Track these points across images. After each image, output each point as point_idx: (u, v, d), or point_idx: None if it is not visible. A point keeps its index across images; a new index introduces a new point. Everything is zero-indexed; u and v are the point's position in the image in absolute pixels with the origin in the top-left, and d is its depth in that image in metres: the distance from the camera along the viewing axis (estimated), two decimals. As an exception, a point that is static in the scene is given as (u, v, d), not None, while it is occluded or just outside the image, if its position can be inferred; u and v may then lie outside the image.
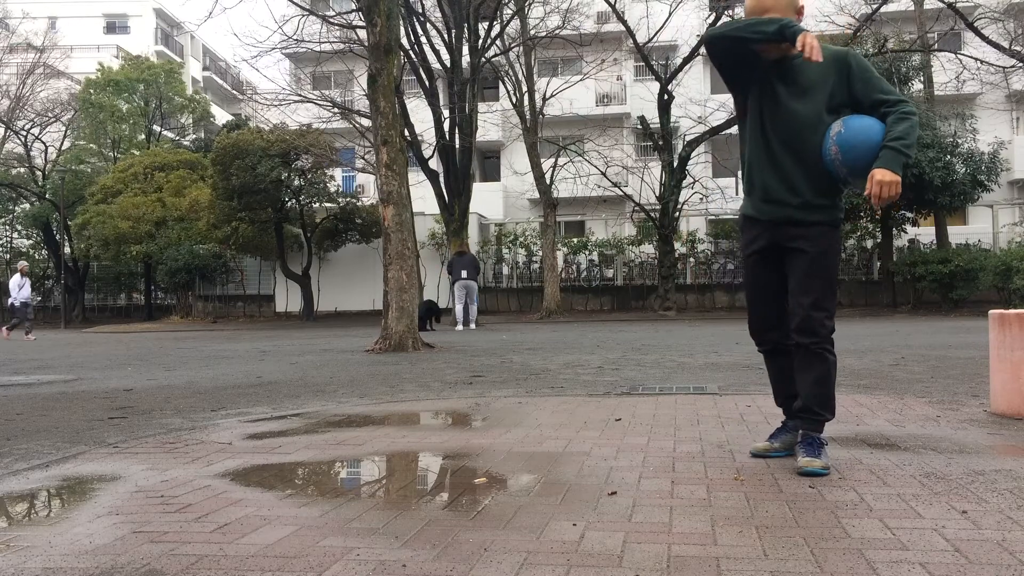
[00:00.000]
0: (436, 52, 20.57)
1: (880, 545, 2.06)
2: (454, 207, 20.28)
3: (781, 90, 2.97)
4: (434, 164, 21.10)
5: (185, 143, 34.11)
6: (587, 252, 24.98)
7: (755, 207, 3.07)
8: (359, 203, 24.90)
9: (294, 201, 23.58)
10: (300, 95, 21.71)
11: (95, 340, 16.66)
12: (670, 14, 20.85)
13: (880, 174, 2.75)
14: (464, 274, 17.15)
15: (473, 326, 17.20)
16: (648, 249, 24.05)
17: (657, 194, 22.20)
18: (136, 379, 7.30)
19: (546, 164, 22.47)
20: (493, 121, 29.23)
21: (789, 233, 2.97)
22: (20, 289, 17.48)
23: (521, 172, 25.89)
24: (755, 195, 3.07)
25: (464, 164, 20.40)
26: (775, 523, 2.27)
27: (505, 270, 25.73)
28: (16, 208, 32.11)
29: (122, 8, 45.14)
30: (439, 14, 20.77)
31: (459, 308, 17.25)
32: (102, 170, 30.76)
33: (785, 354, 3.12)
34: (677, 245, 23.09)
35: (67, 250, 29.83)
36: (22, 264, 17.90)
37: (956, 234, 23.01)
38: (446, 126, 20.45)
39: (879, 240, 22.76)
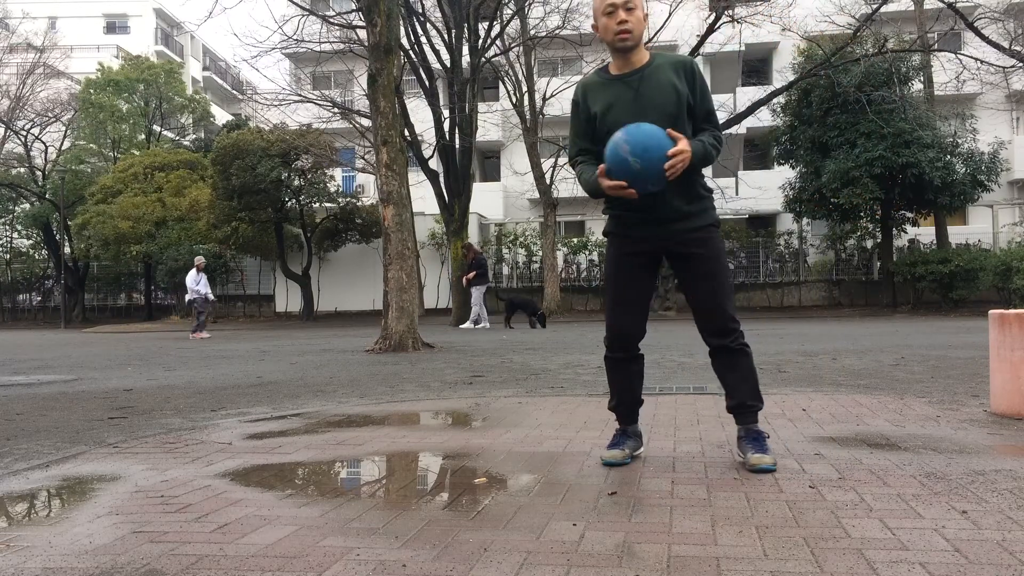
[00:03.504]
0: (436, 52, 20.55)
1: (880, 545, 2.06)
2: (454, 207, 20.28)
3: (632, 108, 2.94)
4: (434, 164, 21.10)
5: (185, 143, 34.10)
6: (587, 252, 24.97)
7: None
8: (359, 203, 24.91)
9: (294, 201, 23.58)
10: (300, 95, 21.71)
11: (95, 340, 16.67)
12: (670, 14, 20.82)
13: (686, 144, 2.76)
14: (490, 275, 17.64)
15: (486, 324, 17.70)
16: (648, 249, 24.01)
17: (657, 194, 22.15)
18: (136, 379, 7.29)
19: (546, 164, 22.46)
20: (493, 121, 29.21)
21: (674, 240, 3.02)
22: (197, 284, 17.19)
23: (521, 172, 25.88)
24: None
25: (464, 164, 20.39)
26: (775, 523, 2.27)
27: (505, 270, 25.72)
28: (16, 208, 32.12)
29: (122, 8, 45.16)
30: (439, 14, 20.75)
31: (478, 309, 17.65)
32: (102, 170, 30.77)
33: (638, 360, 3.16)
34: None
35: (67, 250, 29.84)
36: (199, 260, 17.43)
37: (956, 234, 23.03)
38: (446, 126, 20.44)
39: (879, 240, 22.76)
